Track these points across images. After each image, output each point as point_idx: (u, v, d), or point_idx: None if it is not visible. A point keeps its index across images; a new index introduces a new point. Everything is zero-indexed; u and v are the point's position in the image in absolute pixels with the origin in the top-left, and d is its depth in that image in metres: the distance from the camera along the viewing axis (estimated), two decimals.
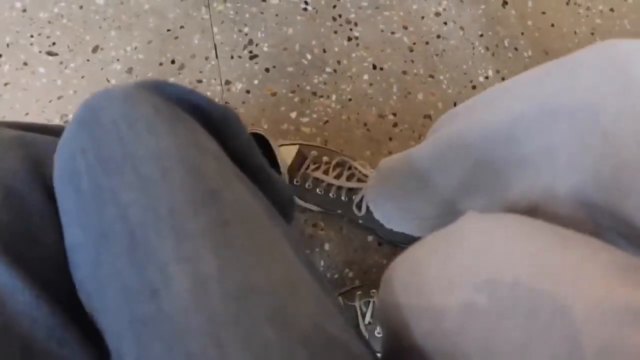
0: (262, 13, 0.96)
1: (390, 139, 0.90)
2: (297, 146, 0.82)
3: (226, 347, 0.24)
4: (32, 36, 0.89)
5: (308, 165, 0.80)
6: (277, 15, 0.97)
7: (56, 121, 0.84)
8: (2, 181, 0.32)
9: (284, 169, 0.78)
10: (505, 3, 1.06)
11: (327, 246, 0.82)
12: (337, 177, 0.78)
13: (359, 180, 0.77)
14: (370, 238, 0.83)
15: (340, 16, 0.99)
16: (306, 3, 0.99)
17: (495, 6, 1.05)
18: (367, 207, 0.76)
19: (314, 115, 0.90)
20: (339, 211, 0.80)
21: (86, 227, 0.30)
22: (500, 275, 0.30)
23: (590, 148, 0.38)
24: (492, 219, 0.35)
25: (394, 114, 0.92)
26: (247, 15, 0.96)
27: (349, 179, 0.78)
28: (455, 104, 0.95)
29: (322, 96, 0.92)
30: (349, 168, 0.79)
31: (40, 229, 0.32)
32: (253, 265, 0.28)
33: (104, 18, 0.92)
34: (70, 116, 0.84)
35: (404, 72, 0.96)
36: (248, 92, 0.90)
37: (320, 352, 0.26)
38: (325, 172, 0.78)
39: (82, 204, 0.30)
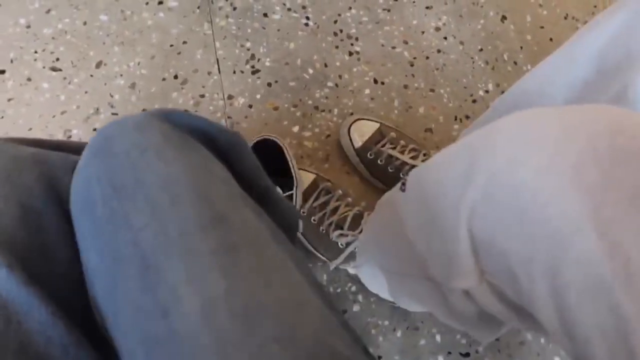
0: (264, 28, 0.97)
1: None
2: (379, 124, 0.86)
3: None
4: (36, 52, 0.90)
5: (384, 144, 0.83)
6: (278, 30, 0.98)
7: (59, 136, 0.84)
8: (19, 199, 0.33)
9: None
10: (504, 18, 1.07)
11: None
12: (413, 158, 0.81)
13: None
14: None
15: (341, 31, 1.00)
16: (307, 18, 1.00)
17: (494, 21, 1.07)
18: None
19: (316, 130, 0.90)
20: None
21: (101, 252, 0.31)
22: None
23: None
24: None
25: None
26: (249, 31, 0.97)
27: (424, 162, 0.80)
28: (456, 118, 0.95)
29: (324, 110, 0.92)
30: (425, 154, 0.82)
31: (56, 247, 0.33)
32: (259, 285, 0.28)
33: (108, 34, 0.93)
34: (74, 131, 0.84)
35: (405, 86, 0.97)
36: (250, 106, 0.90)
37: None
38: (401, 153, 0.82)
39: (97, 229, 0.31)
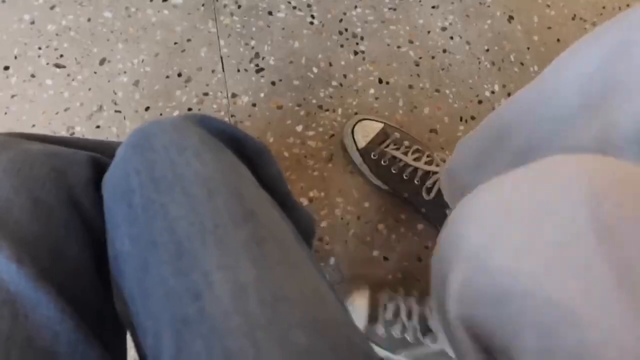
0: (268, 26, 0.97)
1: None
2: (383, 124, 0.86)
3: (262, 347, 0.26)
4: (40, 48, 0.90)
5: (388, 144, 0.83)
6: (283, 28, 0.97)
7: (62, 133, 0.84)
8: (30, 192, 0.33)
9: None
10: (511, 18, 1.06)
11: (331, 260, 0.82)
12: (416, 160, 0.81)
13: (437, 165, 0.80)
14: (375, 253, 0.83)
15: (346, 30, 0.99)
16: (313, 17, 0.99)
17: (501, 21, 1.06)
18: (436, 194, 0.78)
19: (320, 129, 0.90)
20: (406, 195, 0.82)
21: (135, 238, 0.32)
22: None
23: None
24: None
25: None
26: (253, 29, 0.96)
27: (427, 163, 0.80)
28: (461, 119, 0.95)
29: (328, 110, 0.92)
30: (429, 156, 0.81)
31: (66, 242, 0.33)
32: (286, 277, 0.30)
33: (112, 31, 0.93)
34: (77, 128, 0.84)
35: (410, 86, 0.96)
36: (254, 105, 0.90)
37: (345, 358, 0.28)
38: (404, 154, 0.81)
39: (132, 217, 0.32)
